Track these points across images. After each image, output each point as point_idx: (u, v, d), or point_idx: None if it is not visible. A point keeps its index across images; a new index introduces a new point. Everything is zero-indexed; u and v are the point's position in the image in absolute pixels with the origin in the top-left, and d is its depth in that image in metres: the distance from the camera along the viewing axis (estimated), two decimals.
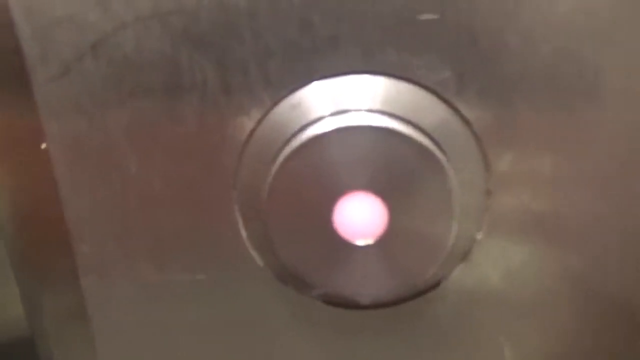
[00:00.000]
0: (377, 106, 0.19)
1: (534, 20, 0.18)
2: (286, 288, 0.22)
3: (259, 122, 0.19)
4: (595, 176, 0.20)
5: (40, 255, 0.22)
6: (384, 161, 0.19)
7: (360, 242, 0.19)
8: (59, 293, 0.22)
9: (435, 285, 0.22)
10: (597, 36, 0.18)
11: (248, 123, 0.19)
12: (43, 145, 0.20)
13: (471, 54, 0.18)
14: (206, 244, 0.21)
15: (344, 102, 0.19)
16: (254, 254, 0.21)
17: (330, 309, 0.22)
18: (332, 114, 0.19)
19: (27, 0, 0.17)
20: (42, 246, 0.22)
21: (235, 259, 0.21)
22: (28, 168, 0.20)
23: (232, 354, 0.23)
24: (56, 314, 0.23)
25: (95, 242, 0.21)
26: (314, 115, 0.19)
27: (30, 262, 0.22)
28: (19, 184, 0.20)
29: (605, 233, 0.21)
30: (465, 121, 0.19)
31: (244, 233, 0.21)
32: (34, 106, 0.19)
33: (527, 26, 0.18)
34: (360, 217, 0.19)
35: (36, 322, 0.24)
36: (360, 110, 0.19)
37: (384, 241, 0.19)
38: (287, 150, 0.19)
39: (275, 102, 0.19)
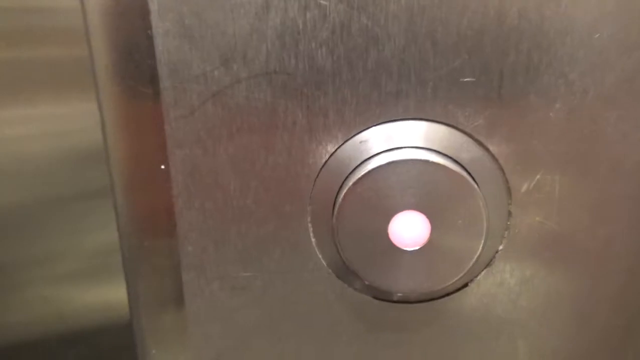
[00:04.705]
0: (425, 144, 0.24)
1: (551, 83, 0.23)
2: (345, 286, 0.27)
3: (332, 154, 0.25)
4: (593, 207, 0.25)
5: (148, 257, 0.27)
6: (429, 187, 0.24)
7: (408, 249, 0.25)
8: (157, 284, 0.28)
9: (463, 286, 0.27)
10: (604, 97, 0.24)
11: (324, 155, 0.25)
12: (162, 167, 0.25)
13: (500, 108, 0.24)
14: (283, 248, 0.26)
15: (399, 141, 0.24)
16: (320, 257, 0.27)
17: (379, 304, 0.28)
18: (389, 150, 0.24)
19: (170, 62, 0.23)
20: (151, 250, 0.27)
21: (305, 261, 0.27)
22: (148, 184, 0.26)
23: (297, 340, 0.28)
24: (152, 303, 0.28)
25: (198, 245, 0.26)
26: (376, 150, 0.24)
27: (140, 262, 0.27)
28: (140, 196, 0.26)
29: (608, 251, 0.26)
30: (494, 157, 0.25)
31: (313, 240, 0.26)
32: (163, 137, 0.24)
33: (545, 87, 0.23)
34: (409, 230, 0.24)
35: (135, 310, 0.29)
36: (411, 147, 0.24)
37: (427, 249, 0.24)
38: (354, 177, 0.24)
39: (346, 140, 0.24)
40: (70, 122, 0.42)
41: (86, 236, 0.45)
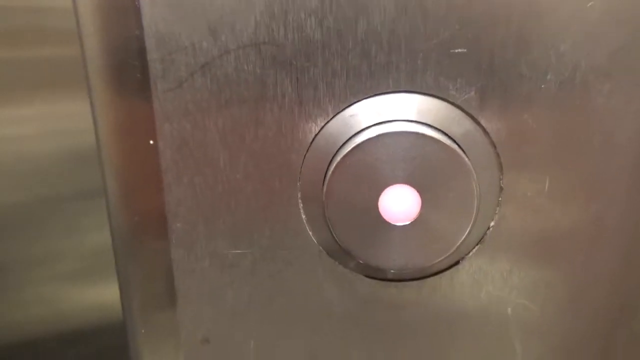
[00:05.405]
0: (415, 117, 0.24)
1: (542, 54, 0.23)
2: (336, 264, 0.27)
3: (322, 128, 0.25)
4: (584, 182, 0.25)
5: (138, 237, 0.27)
6: (419, 161, 0.23)
7: (398, 224, 0.24)
8: (150, 280, 0.27)
9: (455, 264, 0.27)
10: (596, 69, 0.23)
11: (314, 128, 0.24)
12: (151, 142, 0.25)
13: (491, 79, 0.23)
14: (273, 225, 0.26)
15: (390, 113, 0.24)
16: (311, 233, 0.26)
17: (370, 282, 0.27)
18: (380, 123, 0.24)
19: (158, 33, 0.22)
20: (141, 228, 0.27)
21: (296, 238, 0.26)
22: (137, 159, 0.25)
23: (287, 319, 0.28)
24: (145, 300, 0.28)
25: (187, 221, 0.26)
26: (366, 123, 0.24)
27: (129, 245, 0.27)
28: (129, 173, 0.26)
29: (601, 226, 0.26)
30: (485, 131, 0.24)
31: (304, 216, 0.26)
32: (151, 111, 0.24)
33: (536, 59, 0.23)
34: (399, 204, 0.24)
35: (127, 308, 0.28)
36: (402, 120, 0.24)
37: (417, 224, 0.24)
38: (344, 150, 0.24)
39: (336, 113, 0.24)
40: (69, 121, 0.42)
41: (86, 235, 0.45)
